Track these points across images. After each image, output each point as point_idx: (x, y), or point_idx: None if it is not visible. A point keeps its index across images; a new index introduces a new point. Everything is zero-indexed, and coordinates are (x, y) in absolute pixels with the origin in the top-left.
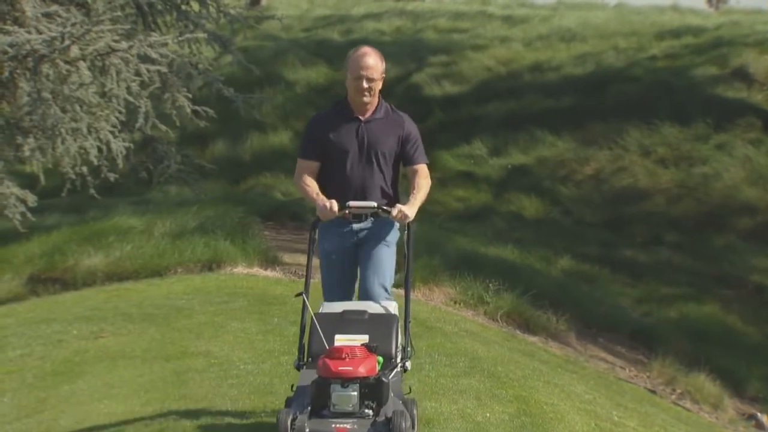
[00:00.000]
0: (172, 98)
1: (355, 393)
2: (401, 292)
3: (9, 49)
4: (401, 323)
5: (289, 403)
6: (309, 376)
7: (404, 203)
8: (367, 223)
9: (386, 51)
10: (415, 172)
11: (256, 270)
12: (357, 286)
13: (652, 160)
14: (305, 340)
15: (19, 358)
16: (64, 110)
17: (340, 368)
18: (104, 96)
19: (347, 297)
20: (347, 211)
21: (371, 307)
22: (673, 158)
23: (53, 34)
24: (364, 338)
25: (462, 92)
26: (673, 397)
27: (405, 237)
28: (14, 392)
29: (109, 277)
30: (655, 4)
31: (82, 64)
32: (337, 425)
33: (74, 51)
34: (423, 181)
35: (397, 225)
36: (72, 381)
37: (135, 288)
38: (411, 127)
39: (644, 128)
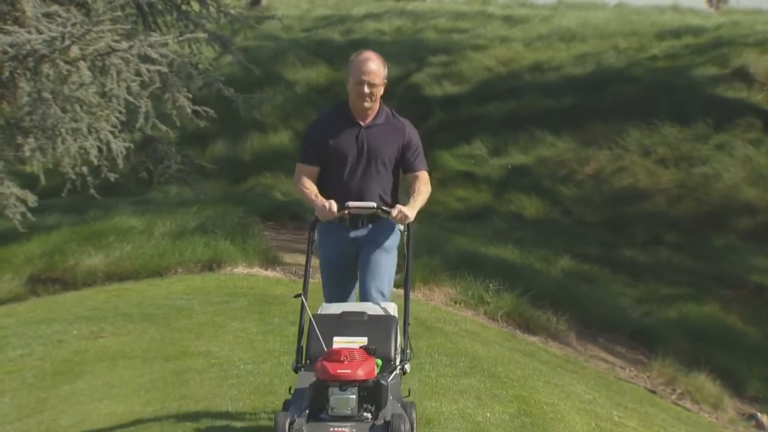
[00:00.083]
0: (173, 98)
1: (354, 396)
2: (400, 291)
3: (9, 49)
4: (401, 325)
5: (287, 405)
6: (307, 378)
7: (405, 205)
8: (364, 230)
9: (386, 51)
10: (415, 178)
11: (257, 270)
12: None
13: (652, 160)
14: (303, 342)
15: (19, 358)
16: (64, 110)
17: (338, 371)
18: (104, 96)
19: (347, 300)
20: (346, 212)
21: (370, 309)
22: (673, 158)
23: (53, 34)
24: (363, 340)
25: (462, 92)
26: (673, 397)
27: (405, 238)
28: (14, 392)
29: (109, 277)
30: (655, 4)
31: (82, 64)
32: (336, 428)
33: (74, 51)
34: (423, 187)
35: (396, 229)
36: (72, 381)
37: (135, 288)
38: (412, 134)
39: (644, 128)
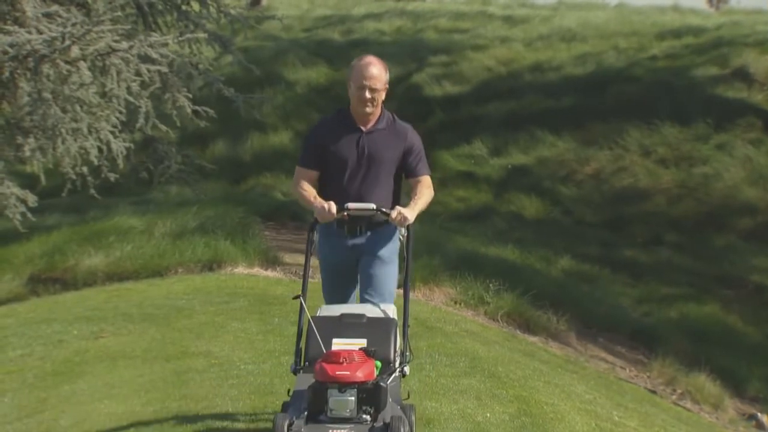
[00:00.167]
0: (173, 98)
1: (353, 398)
2: (399, 291)
3: (9, 49)
4: (400, 327)
5: (285, 407)
6: (306, 380)
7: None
8: (363, 238)
9: (387, 51)
10: (417, 182)
11: (257, 270)
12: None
13: (653, 160)
14: (302, 344)
15: (19, 358)
16: (64, 110)
17: (337, 372)
18: (105, 96)
19: (347, 303)
20: (345, 213)
21: (370, 311)
22: (674, 158)
23: (54, 35)
24: (362, 342)
25: (462, 92)
26: (674, 397)
27: (404, 240)
28: (15, 392)
29: (110, 277)
30: (655, 4)
31: (82, 64)
32: (335, 430)
33: (75, 51)
34: (426, 190)
35: (396, 237)
36: (72, 381)
37: (135, 288)
38: (414, 139)
39: (644, 128)
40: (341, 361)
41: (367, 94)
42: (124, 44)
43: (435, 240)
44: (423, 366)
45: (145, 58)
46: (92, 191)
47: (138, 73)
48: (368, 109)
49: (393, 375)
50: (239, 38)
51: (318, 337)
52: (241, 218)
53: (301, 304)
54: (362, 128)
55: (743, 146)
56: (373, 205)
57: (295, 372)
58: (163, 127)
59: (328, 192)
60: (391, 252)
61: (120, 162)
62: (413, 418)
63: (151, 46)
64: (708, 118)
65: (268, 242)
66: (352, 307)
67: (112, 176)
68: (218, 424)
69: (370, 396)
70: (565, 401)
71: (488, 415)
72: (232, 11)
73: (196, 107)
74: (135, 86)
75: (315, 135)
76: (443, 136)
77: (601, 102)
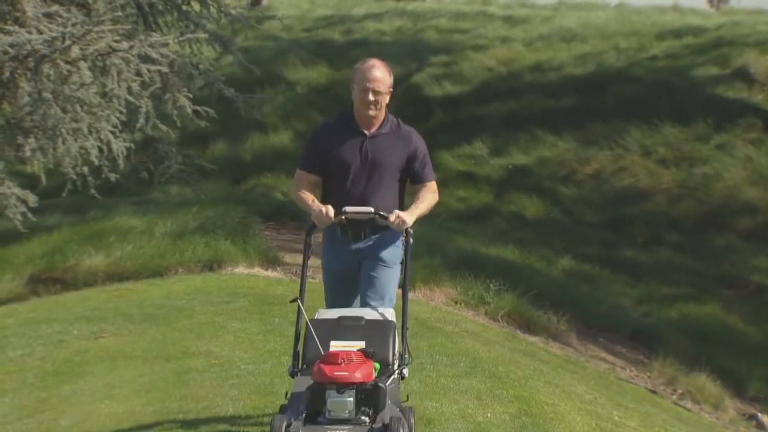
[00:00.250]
0: (173, 98)
1: (351, 399)
2: (399, 292)
3: (10, 49)
4: (399, 329)
5: (283, 410)
6: (304, 383)
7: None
8: (367, 241)
9: (387, 51)
10: (423, 187)
11: (257, 270)
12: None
13: (653, 160)
14: (300, 347)
15: (19, 358)
16: (64, 110)
17: (335, 373)
18: (105, 96)
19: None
20: (343, 217)
21: (368, 314)
22: (674, 158)
23: (54, 35)
24: (361, 345)
25: (463, 92)
26: (674, 397)
27: (404, 243)
28: (15, 392)
29: (110, 278)
30: (655, 4)
31: (82, 64)
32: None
33: (75, 51)
34: (429, 195)
35: (399, 242)
36: (73, 381)
37: (136, 288)
38: (418, 143)
39: (645, 128)
40: (339, 362)
41: (371, 97)
42: (125, 44)
43: (435, 240)
44: (424, 366)
45: (146, 58)
46: (93, 191)
47: (138, 73)
48: (371, 112)
49: (392, 377)
50: (240, 38)
51: (316, 339)
52: (241, 218)
53: (298, 306)
54: (366, 132)
55: (743, 146)
56: (371, 209)
57: (292, 375)
58: (164, 127)
59: (331, 196)
60: (393, 255)
61: (120, 162)
62: (412, 420)
63: (151, 46)
64: (708, 118)
65: (268, 242)
66: (350, 310)
67: (113, 176)
68: (218, 424)
69: (369, 397)
70: (565, 401)
71: (489, 415)
72: (233, 11)
73: (197, 107)
74: (135, 86)
75: (317, 139)
76: (443, 136)
77: (602, 102)
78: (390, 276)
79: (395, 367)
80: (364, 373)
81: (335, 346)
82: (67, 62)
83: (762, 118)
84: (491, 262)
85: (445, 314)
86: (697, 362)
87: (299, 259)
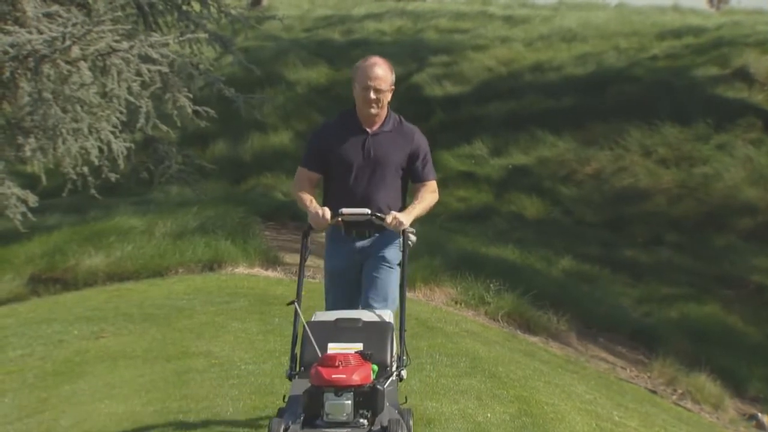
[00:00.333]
0: (173, 98)
1: (349, 402)
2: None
3: (10, 50)
4: (396, 331)
5: (281, 413)
6: (301, 385)
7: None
8: (371, 240)
9: (387, 51)
10: (422, 186)
11: (257, 270)
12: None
13: (653, 160)
14: (297, 349)
15: (20, 358)
16: (65, 110)
17: (333, 376)
18: (105, 96)
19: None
20: (340, 219)
21: (365, 315)
22: (674, 158)
23: (54, 35)
24: (358, 347)
25: (463, 92)
26: (674, 397)
27: (401, 244)
28: (15, 392)
29: (110, 278)
30: (656, 4)
31: (83, 65)
32: None
33: (75, 51)
34: (428, 195)
35: (400, 241)
36: (73, 381)
37: (136, 288)
38: (420, 141)
39: (645, 128)
40: (337, 364)
41: (372, 95)
42: (125, 44)
43: (435, 240)
44: (424, 366)
45: (146, 58)
46: (93, 191)
47: (138, 73)
48: (373, 111)
49: (390, 379)
50: (240, 38)
51: (313, 342)
52: (241, 218)
53: (295, 309)
54: (368, 130)
55: (743, 146)
56: (367, 210)
57: (290, 377)
58: (164, 127)
59: (333, 194)
60: (396, 255)
61: (120, 162)
62: (411, 422)
63: (151, 46)
64: (708, 118)
65: (268, 242)
66: (348, 312)
67: (113, 176)
68: (218, 424)
69: (367, 400)
70: (565, 401)
71: (489, 415)
72: (233, 11)
73: (197, 107)
74: (135, 86)
75: (319, 137)
76: (444, 136)
77: (602, 102)
78: (393, 277)
79: (393, 368)
80: (362, 375)
81: (333, 348)
82: (67, 62)
83: (762, 118)
84: (491, 262)
85: (445, 314)
86: (697, 362)
87: (299, 259)
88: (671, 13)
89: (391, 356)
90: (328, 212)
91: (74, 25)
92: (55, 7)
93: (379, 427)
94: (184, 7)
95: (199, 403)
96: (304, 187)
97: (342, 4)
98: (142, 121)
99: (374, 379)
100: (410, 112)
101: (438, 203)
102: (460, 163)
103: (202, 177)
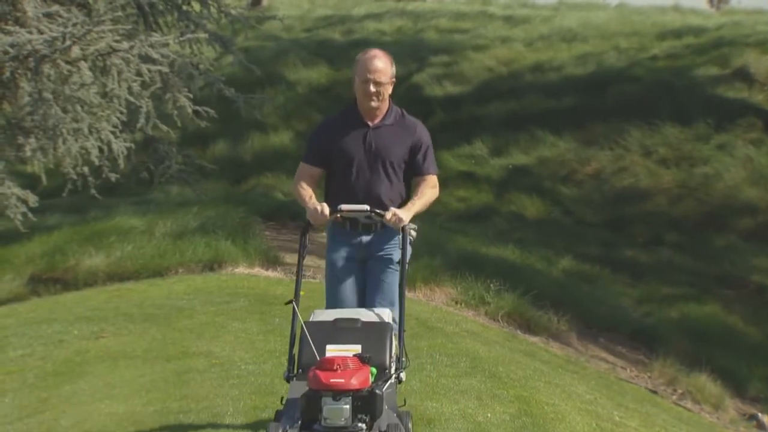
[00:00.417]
0: (173, 98)
1: (348, 406)
2: None
3: (10, 50)
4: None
5: (278, 416)
6: (299, 388)
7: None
8: (376, 235)
9: (387, 51)
10: (422, 180)
11: (257, 270)
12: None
13: (653, 160)
14: (295, 351)
15: (20, 358)
16: (65, 110)
17: (331, 380)
18: (105, 96)
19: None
20: (338, 215)
21: (364, 315)
22: (674, 158)
23: (54, 35)
24: (357, 348)
25: (463, 92)
26: (674, 397)
27: (400, 242)
28: (15, 392)
29: (110, 278)
30: (656, 4)
31: (83, 65)
32: None
33: (75, 51)
34: (428, 190)
35: (407, 239)
36: (73, 381)
37: (136, 288)
38: (422, 134)
39: (645, 128)
40: (335, 368)
41: (372, 88)
42: (125, 44)
43: (435, 240)
44: (424, 366)
45: (146, 58)
46: (93, 191)
47: (139, 73)
48: (373, 104)
49: (389, 381)
50: (240, 38)
51: (311, 343)
52: (241, 218)
53: (293, 309)
54: (369, 123)
55: (744, 146)
56: (366, 207)
57: (288, 379)
58: (164, 127)
59: (335, 189)
60: (400, 253)
61: (121, 162)
62: (410, 425)
63: (151, 46)
64: (708, 118)
65: (268, 242)
66: (346, 312)
67: (113, 176)
68: (219, 424)
69: (366, 404)
70: (565, 401)
71: (489, 415)
72: (233, 11)
73: (197, 107)
74: (136, 86)
75: (320, 132)
76: (444, 136)
77: (602, 102)
78: (396, 277)
79: (392, 371)
80: (361, 379)
81: (331, 350)
82: (67, 62)
83: (762, 118)
84: (491, 262)
85: (445, 314)
86: (698, 362)
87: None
88: (671, 13)
89: (390, 358)
90: (326, 208)
91: (74, 25)
92: (55, 7)
93: (378, 431)
94: (184, 7)
95: (199, 403)
96: (304, 182)
97: (342, 4)
98: (142, 121)
99: (373, 383)
100: (410, 112)
101: (438, 203)
102: (460, 163)
103: (202, 177)
